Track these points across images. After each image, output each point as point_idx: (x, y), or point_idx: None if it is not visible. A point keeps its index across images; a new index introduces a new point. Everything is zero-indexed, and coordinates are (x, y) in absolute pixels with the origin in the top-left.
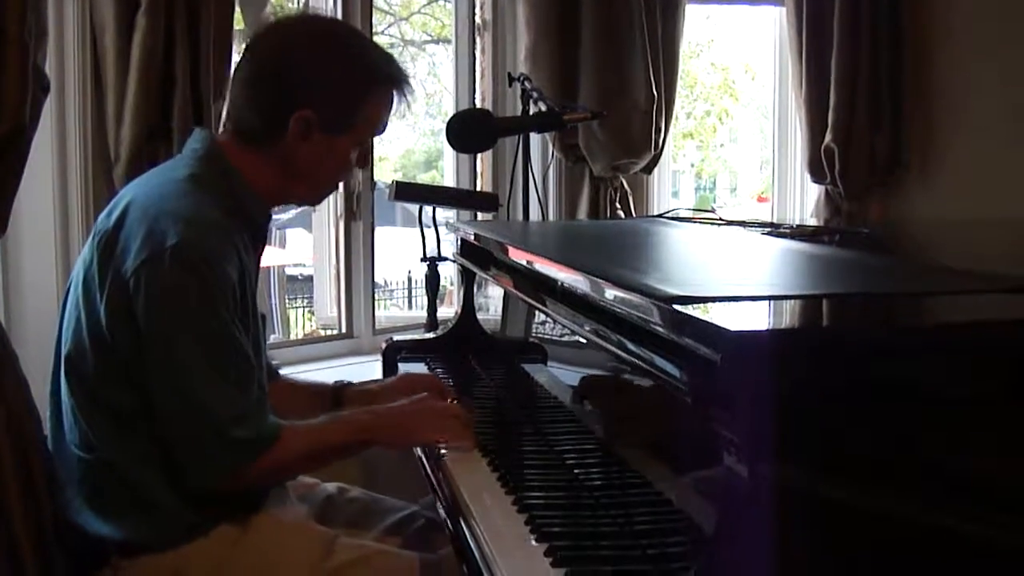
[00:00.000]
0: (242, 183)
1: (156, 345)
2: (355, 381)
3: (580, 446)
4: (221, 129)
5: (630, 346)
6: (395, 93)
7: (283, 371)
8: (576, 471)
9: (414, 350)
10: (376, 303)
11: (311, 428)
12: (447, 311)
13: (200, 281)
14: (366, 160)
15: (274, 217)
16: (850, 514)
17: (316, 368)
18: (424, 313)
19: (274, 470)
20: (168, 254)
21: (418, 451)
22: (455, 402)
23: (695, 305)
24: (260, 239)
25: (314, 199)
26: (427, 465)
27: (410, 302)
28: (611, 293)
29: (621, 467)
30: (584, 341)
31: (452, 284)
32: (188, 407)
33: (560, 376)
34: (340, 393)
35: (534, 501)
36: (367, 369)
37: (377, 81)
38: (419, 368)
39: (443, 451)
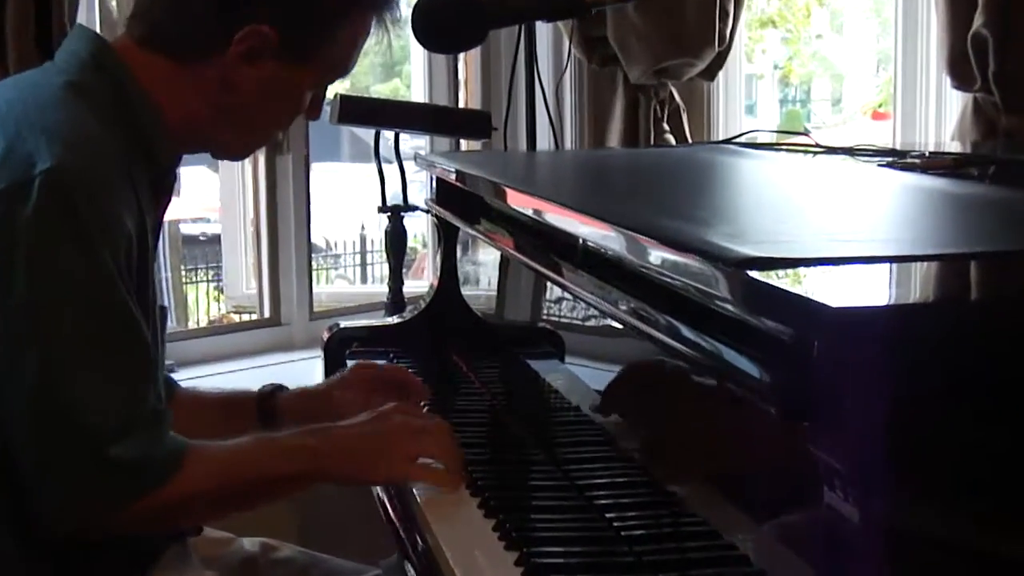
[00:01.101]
0: (147, 106)
1: (10, 313)
2: (286, 385)
3: (613, 479)
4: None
5: (685, 332)
6: (376, 18)
7: (178, 375)
8: (608, 516)
9: (371, 341)
10: (314, 274)
11: (228, 452)
12: (417, 285)
13: (79, 224)
14: (318, 108)
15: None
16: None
17: (227, 370)
18: (384, 288)
19: (170, 512)
20: (37, 184)
21: (378, 490)
22: (435, 415)
23: (781, 272)
24: (164, 191)
25: (240, 150)
26: (392, 510)
27: (364, 272)
28: (658, 256)
29: (673, 509)
30: (618, 326)
31: (425, 246)
32: (48, 408)
33: (583, 378)
34: (268, 403)
35: (548, 560)
36: (301, 370)
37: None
38: None
39: (417, 490)
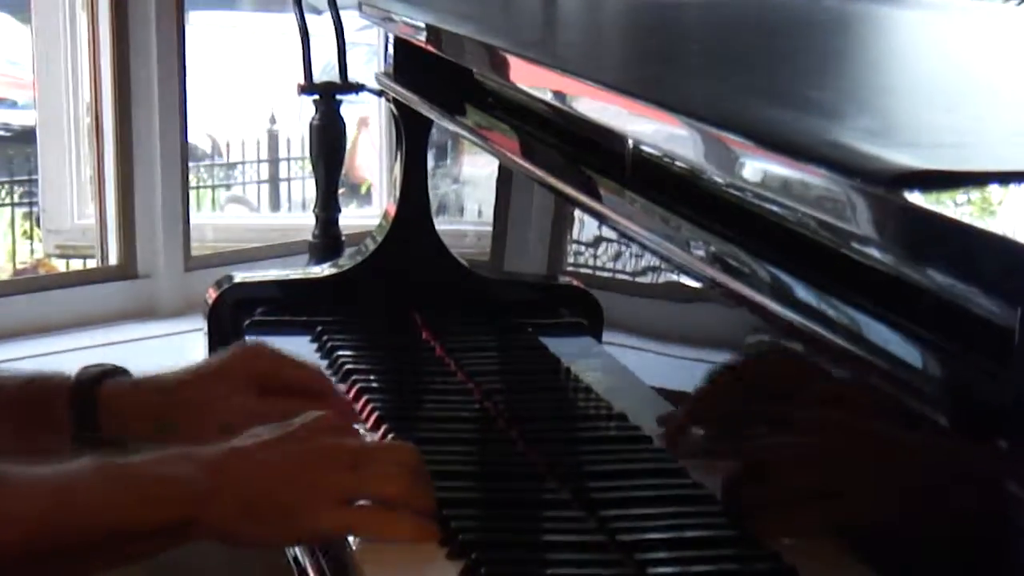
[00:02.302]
0: None
1: None
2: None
3: (679, 534)
4: None
5: (800, 294)
6: None
7: None
8: None
9: (284, 306)
10: (193, 197)
11: (45, 488)
12: (363, 214)
13: None
14: None
15: None
16: None
17: (44, 350)
18: (307, 219)
19: None
20: None
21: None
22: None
23: (963, 194)
24: None
25: None
26: (310, 568)
27: (274, 194)
28: (757, 168)
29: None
30: (692, 284)
31: (375, 146)
32: None
33: (633, 368)
34: (89, 395)
35: None
36: (169, 352)
37: None
38: (296, 347)
39: (356, 544)
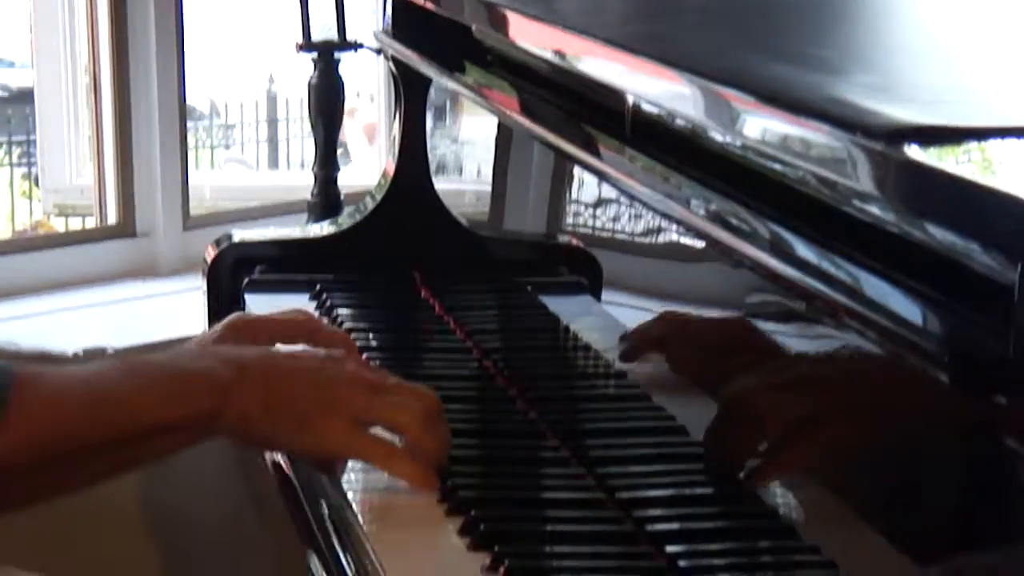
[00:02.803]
0: None
1: None
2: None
3: (678, 491)
4: None
5: (801, 251)
6: None
7: None
8: (670, 550)
9: (284, 264)
10: (192, 156)
11: (79, 382)
12: (362, 173)
13: None
14: None
15: None
16: None
17: (39, 309)
18: (306, 178)
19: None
20: None
21: (276, 460)
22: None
23: (964, 149)
24: None
25: None
26: (306, 505)
27: (273, 153)
28: (760, 124)
29: (776, 539)
30: (692, 244)
31: (373, 101)
32: None
33: (632, 325)
34: None
35: None
36: (167, 312)
37: None
38: (296, 305)
39: (348, 479)
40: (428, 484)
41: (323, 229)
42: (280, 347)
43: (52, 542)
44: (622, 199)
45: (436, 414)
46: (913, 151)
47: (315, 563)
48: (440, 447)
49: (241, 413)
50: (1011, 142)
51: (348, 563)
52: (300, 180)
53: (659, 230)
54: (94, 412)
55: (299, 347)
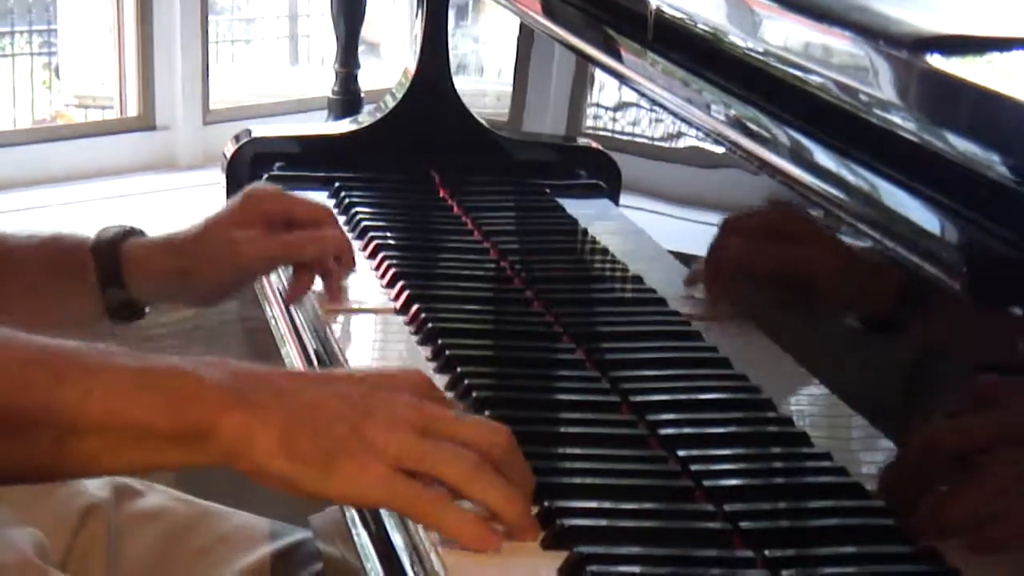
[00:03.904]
0: None
1: None
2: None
3: (696, 394)
4: None
5: (821, 159)
6: None
7: None
8: (694, 468)
9: (303, 160)
10: (212, 51)
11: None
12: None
13: None
14: None
15: None
16: None
17: (64, 198)
18: (327, 75)
19: None
20: None
21: None
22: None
23: (980, 57)
24: None
25: None
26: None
27: (294, 49)
28: (780, 30)
29: (802, 459)
30: (713, 149)
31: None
32: None
33: (651, 232)
34: (112, 254)
35: (587, 551)
36: (187, 204)
37: None
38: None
39: None
40: (487, 543)
41: (343, 127)
42: (318, 369)
43: None
44: (642, 103)
45: (505, 458)
46: (935, 60)
47: None
48: (507, 498)
49: (242, 439)
50: None
51: None
52: (322, 77)
53: (679, 135)
54: (24, 375)
55: (341, 371)
